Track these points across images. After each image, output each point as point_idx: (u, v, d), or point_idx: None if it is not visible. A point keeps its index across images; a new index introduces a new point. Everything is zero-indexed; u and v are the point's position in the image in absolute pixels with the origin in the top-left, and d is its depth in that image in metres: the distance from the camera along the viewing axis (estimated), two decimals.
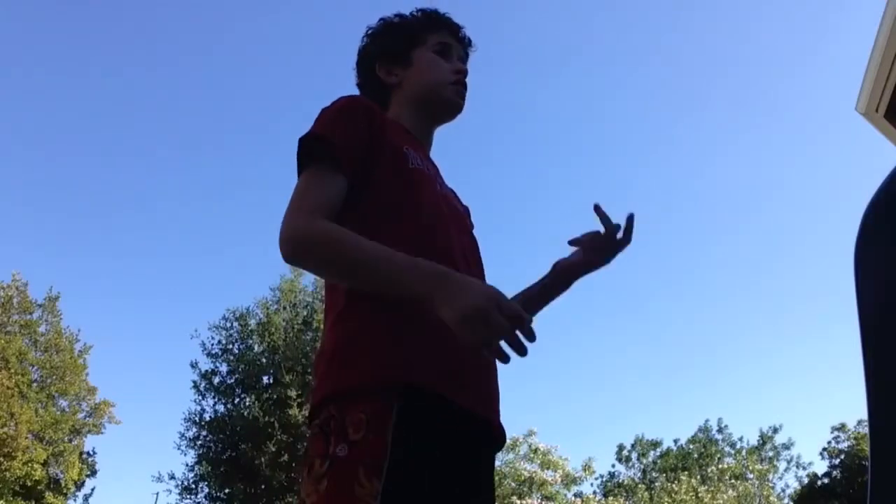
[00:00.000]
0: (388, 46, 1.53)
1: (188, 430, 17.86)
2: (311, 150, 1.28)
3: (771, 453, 29.57)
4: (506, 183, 42.08)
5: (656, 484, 27.55)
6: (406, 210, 1.30)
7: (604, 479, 30.19)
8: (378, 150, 1.32)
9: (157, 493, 22.78)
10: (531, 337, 1.10)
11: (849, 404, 34.01)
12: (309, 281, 19.16)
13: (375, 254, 1.15)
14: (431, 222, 1.32)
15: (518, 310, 1.09)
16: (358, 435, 1.09)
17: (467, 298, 1.08)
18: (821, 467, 26.58)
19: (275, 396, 17.17)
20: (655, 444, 31.23)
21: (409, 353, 1.17)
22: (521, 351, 1.10)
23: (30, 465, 18.70)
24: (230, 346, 18.39)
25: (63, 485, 20.52)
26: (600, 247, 1.58)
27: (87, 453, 21.90)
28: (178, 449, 17.83)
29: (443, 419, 1.15)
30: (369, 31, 1.57)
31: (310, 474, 1.11)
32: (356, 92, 1.57)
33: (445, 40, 1.54)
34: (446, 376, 1.17)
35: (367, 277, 1.18)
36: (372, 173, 1.30)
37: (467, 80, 1.53)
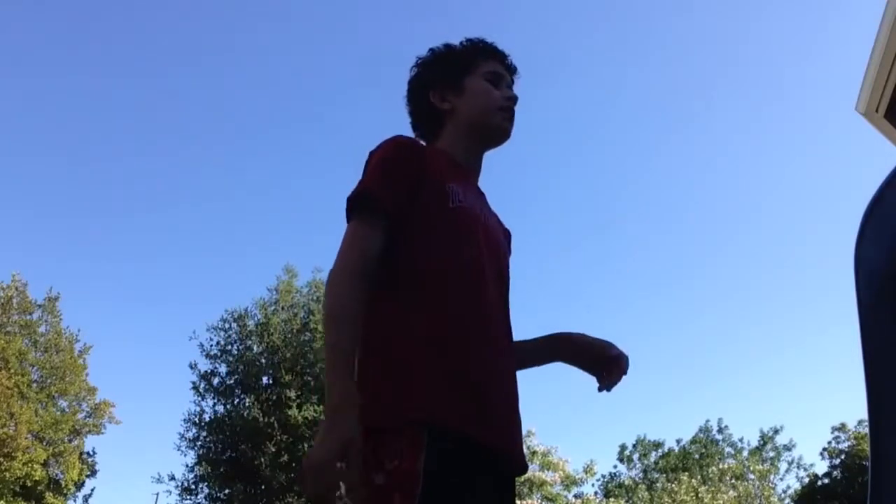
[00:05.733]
0: (441, 74, 1.60)
1: (188, 430, 17.83)
2: (357, 203, 1.38)
3: (772, 454, 29.53)
4: (506, 184, 42.08)
5: (657, 485, 27.50)
6: (446, 264, 1.39)
7: (605, 479, 30.19)
8: (421, 192, 1.40)
9: (158, 494, 22.84)
10: None
11: (849, 404, 34.03)
12: (304, 282, 19.18)
13: (334, 357, 1.25)
14: (470, 279, 1.40)
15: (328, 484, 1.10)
16: (392, 465, 1.20)
17: (314, 448, 1.14)
18: (821, 467, 26.58)
19: (274, 397, 17.14)
20: (657, 445, 31.18)
21: (438, 398, 1.27)
22: None
23: (30, 465, 18.69)
24: (229, 347, 18.30)
25: (63, 485, 20.52)
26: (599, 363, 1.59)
27: (87, 453, 21.89)
28: (178, 450, 17.80)
29: (467, 455, 1.25)
30: (420, 61, 1.64)
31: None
32: (401, 118, 1.66)
33: (495, 69, 1.61)
34: (472, 419, 1.28)
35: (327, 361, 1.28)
36: (414, 215, 1.39)
37: (515, 107, 1.60)
